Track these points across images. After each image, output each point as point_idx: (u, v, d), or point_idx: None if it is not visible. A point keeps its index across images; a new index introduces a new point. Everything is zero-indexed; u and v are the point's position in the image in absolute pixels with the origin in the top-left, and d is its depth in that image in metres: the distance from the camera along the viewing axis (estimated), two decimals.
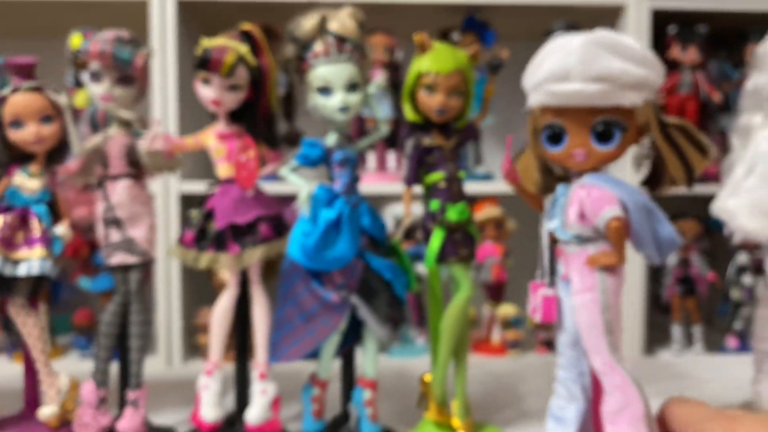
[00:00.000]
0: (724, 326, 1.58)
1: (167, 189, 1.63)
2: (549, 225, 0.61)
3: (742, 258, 1.51)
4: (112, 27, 0.76)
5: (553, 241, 0.64)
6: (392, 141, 1.71)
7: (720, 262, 1.73)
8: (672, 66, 1.54)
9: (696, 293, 1.55)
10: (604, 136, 0.57)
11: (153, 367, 0.96)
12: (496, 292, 1.61)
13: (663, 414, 0.49)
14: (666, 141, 0.59)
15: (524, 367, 1.14)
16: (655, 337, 1.51)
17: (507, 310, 1.57)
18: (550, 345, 1.54)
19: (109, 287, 1.56)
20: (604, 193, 0.56)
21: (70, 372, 0.79)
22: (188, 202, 1.53)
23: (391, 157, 1.71)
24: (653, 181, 0.60)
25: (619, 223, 0.55)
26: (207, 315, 1.66)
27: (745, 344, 1.50)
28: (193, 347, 1.59)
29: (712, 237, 1.74)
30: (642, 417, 0.54)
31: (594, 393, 0.63)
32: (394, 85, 1.49)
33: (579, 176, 0.59)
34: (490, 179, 1.66)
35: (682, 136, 0.60)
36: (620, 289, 0.57)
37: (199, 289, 1.71)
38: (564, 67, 0.54)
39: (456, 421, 0.75)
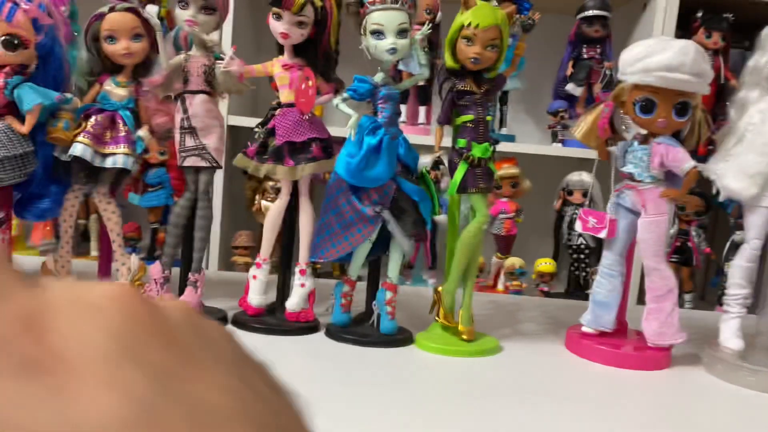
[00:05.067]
0: (714, 297, 1.70)
1: None
2: (624, 169, 0.88)
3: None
4: None
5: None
6: (424, 98, 1.82)
7: (718, 238, 1.84)
8: None
9: (691, 264, 1.67)
10: (681, 112, 0.83)
11: None
12: (505, 245, 1.74)
13: None
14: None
15: (524, 302, 1.28)
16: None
17: (514, 261, 1.70)
18: (548, 295, 1.67)
19: (155, 204, 1.72)
20: (678, 150, 0.83)
21: None
22: (235, 132, 1.67)
23: (422, 113, 1.83)
24: None
25: (697, 170, 0.82)
26: (243, 238, 1.82)
27: None
28: (229, 266, 1.74)
29: (714, 214, 1.85)
30: (677, 300, 0.87)
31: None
32: (432, 45, 1.60)
33: (648, 137, 0.86)
34: (511, 140, 1.77)
35: (702, 114, 0.87)
36: None
37: (238, 215, 1.86)
38: (681, 62, 0.79)
39: (461, 327, 0.88)
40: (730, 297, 0.90)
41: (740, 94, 0.90)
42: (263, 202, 1.83)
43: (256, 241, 1.86)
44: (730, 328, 0.89)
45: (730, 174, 0.86)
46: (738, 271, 0.89)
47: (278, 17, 0.85)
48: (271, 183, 1.80)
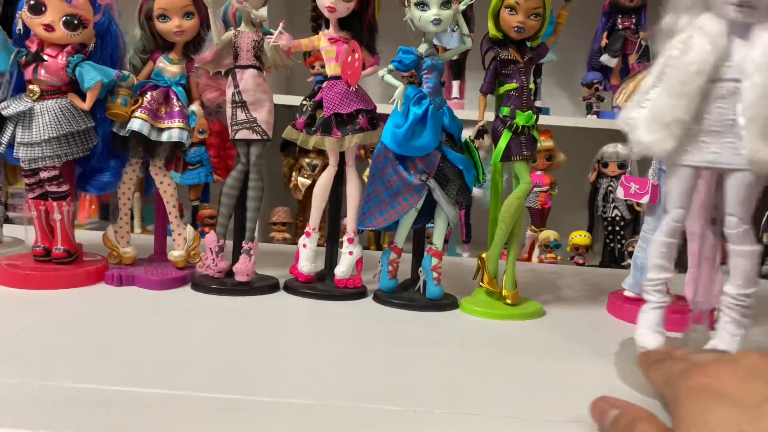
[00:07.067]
0: None
1: None
2: None
3: None
4: None
5: None
6: (458, 72, 1.83)
7: (756, 208, 1.83)
8: None
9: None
10: None
11: None
12: (540, 218, 1.75)
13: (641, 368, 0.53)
14: None
15: (562, 270, 1.29)
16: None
17: (548, 234, 1.71)
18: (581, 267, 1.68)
19: (195, 182, 1.76)
20: None
21: None
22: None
23: (455, 87, 1.84)
24: None
25: None
26: (280, 213, 1.86)
27: None
28: (268, 241, 1.79)
29: None
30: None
31: None
32: (466, 19, 1.60)
33: None
34: (546, 113, 1.78)
35: None
36: None
37: (275, 191, 1.90)
38: None
39: (505, 291, 0.91)
40: (649, 283, 0.71)
41: (666, 19, 0.66)
42: (300, 179, 1.87)
43: (293, 217, 1.91)
44: (647, 321, 0.71)
45: (644, 123, 0.65)
46: (657, 248, 0.69)
47: None
48: (307, 160, 1.83)
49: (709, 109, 0.62)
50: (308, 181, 1.81)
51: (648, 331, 0.70)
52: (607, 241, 1.74)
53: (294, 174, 1.88)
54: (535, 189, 1.72)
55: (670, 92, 0.63)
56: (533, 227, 1.77)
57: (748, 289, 0.65)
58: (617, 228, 1.71)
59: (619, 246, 1.71)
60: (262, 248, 0.96)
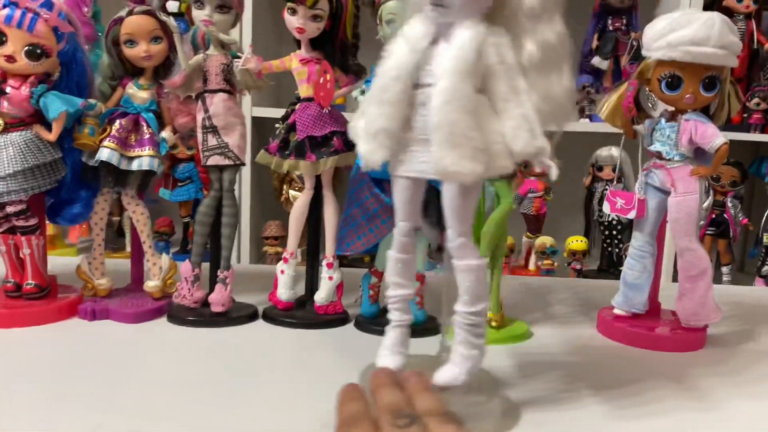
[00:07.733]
0: (754, 269, 1.66)
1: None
2: (652, 147, 0.86)
3: None
4: None
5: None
6: None
7: (756, 207, 1.79)
8: (726, 14, 1.57)
9: (728, 236, 1.63)
10: (709, 86, 0.81)
11: None
12: (535, 224, 1.72)
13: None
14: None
15: (554, 283, 1.26)
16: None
17: (544, 240, 1.68)
18: (581, 272, 1.66)
19: (185, 198, 1.74)
20: (707, 126, 0.81)
21: None
22: (259, 124, 1.67)
23: None
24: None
25: (727, 146, 0.79)
26: (273, 228, 1.83)
27: None
28: (261, 256, 1.77)
29: (751, 183, 1.79)
30: (711, 279, 0.85)
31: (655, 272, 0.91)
32: None
33: (676, 114, 0.84)
34: None
35: (732, 87, 0.84)
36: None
37: (266, 205, 1.87)
38: (706, 36, 0.76)
39: (489, 314, 0.88)
40: (388, 301, 0.67)
41: (397, 23, 0.65)
42: (291, 192, 1.84)
43: (285, 230, 1.88)
44: (387, 341, 0.67)
45: (362, 134, 0.61)
46: (391, 265, 0.65)
47: (293, 12, 0.84)
48: (297, 172, 1.81)
49: (415, 116, 0.58)
50: (299, 194, 1.78)
51: (388, 352, 0.66)
52: (605, 245, 1.71)
53: (285, 187, 1.85)
54: (530, 195, 1.69)
55: (374, 100, 0.59)
56: (529, 233, 1.74)
57: (476, 306, 0.60)
58: (614, 232, 1.67)
59: (616, 250, 1.68)
60: (250, 270, 0.94)
